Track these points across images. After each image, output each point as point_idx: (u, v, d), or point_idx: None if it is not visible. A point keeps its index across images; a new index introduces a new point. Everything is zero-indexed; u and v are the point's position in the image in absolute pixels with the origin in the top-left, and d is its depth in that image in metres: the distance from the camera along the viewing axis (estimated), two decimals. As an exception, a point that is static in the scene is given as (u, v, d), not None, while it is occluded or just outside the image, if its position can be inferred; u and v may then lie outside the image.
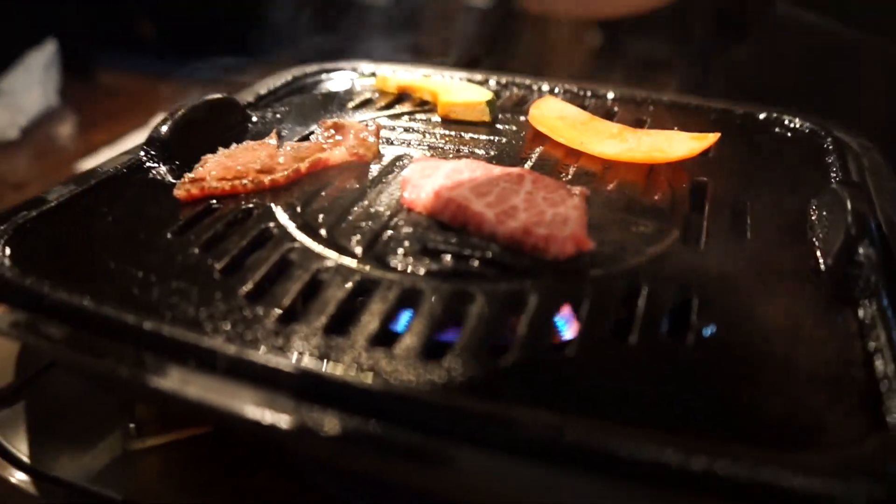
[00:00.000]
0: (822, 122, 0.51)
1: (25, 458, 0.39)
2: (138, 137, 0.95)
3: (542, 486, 0.26)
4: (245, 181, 0.42)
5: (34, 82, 1.03)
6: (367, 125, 0.45)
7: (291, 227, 0.38)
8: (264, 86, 0.60)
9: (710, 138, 0.45)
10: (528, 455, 0.25)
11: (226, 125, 0.51)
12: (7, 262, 0.35)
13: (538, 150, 0.47)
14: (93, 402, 0.42)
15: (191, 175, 0.43)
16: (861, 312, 0.32)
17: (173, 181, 0.44)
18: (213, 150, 0.46)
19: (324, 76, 0.63)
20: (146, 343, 0.30)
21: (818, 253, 0.36)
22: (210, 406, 0.28)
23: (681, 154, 0.44)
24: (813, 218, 0.39)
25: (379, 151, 0.45)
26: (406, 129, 0.50)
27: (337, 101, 0.57)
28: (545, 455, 0.25)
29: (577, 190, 0.39)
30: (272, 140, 0.46)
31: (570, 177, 0.44)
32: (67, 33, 1.15)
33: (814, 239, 0.38)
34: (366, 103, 0.57)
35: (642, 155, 0.45)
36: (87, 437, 0.41)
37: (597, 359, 0.30)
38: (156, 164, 0.46)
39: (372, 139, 0.43)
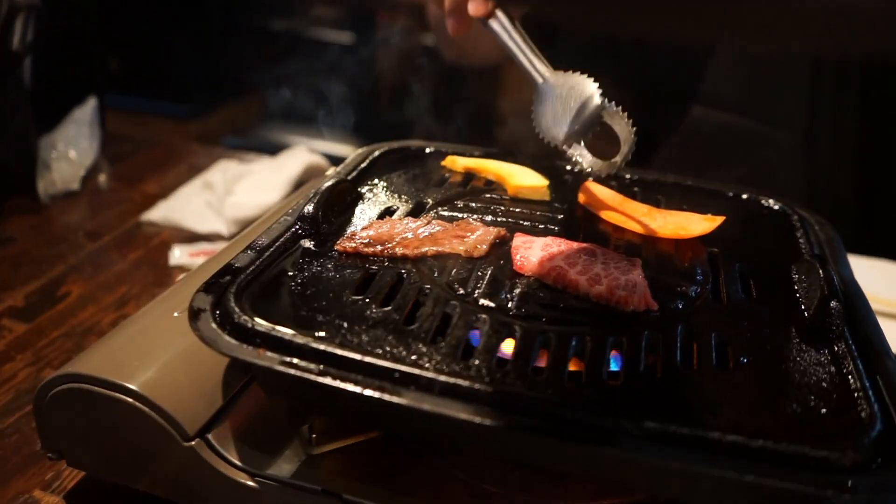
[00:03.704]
0: (788, 201, 0.70)
1: (239, 462, 0.52)
2: (190, 188, 1.07)
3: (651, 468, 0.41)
4: (382, 247, 0.57)
5: (83, 136, 1.13)
6: (488, 235, 0.59)
7: (440, 289, 0.53)
8: (353, 165, 0.73)
9: (718, 220, 0.62)
10: (645, 443, 0.41)
11: (347, 201, 0.65)
12: (251, 314, 0.48)
13: (592, 226, 0.64)
14: (270, 418, 0.56)
15: (350, 233, 0.58)
16: (835, 348, 0.49)
17: (317, 249, 0.58)
18: (344, 217, 0.62)
19: (399, 154, 0.78)
20: (381, 375, 0.44)
21: (802, 307, 0.54)
22: (439, 415, 0.42)
23: (699, 232, 0.61)
24: (795, 280, 0.57)
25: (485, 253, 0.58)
26: (489, 205, 0.66)
27: (422, 179, 0.72)
28: (653, 443, 0.41)
29: (634, 260, 0.56)
30: (421, 219, 0.61)
31: (622, 248, 0.60)
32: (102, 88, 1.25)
33: (798, 296, 0.55)
34: (443, 181, 0.72)
35: (670, 232, 0.62)
36: (274, 444, 0.54)
37: (674, 380, 0.46)
38: (306, 236, 0.60)
39: (485, 247, 0.58)
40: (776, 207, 0.70)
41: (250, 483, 0.51)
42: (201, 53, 2.72)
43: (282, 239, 0.59)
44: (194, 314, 0.49)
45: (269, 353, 0.46)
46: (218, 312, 0.49)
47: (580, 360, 0.47)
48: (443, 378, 0.43)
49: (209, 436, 0.52)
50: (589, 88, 0.58)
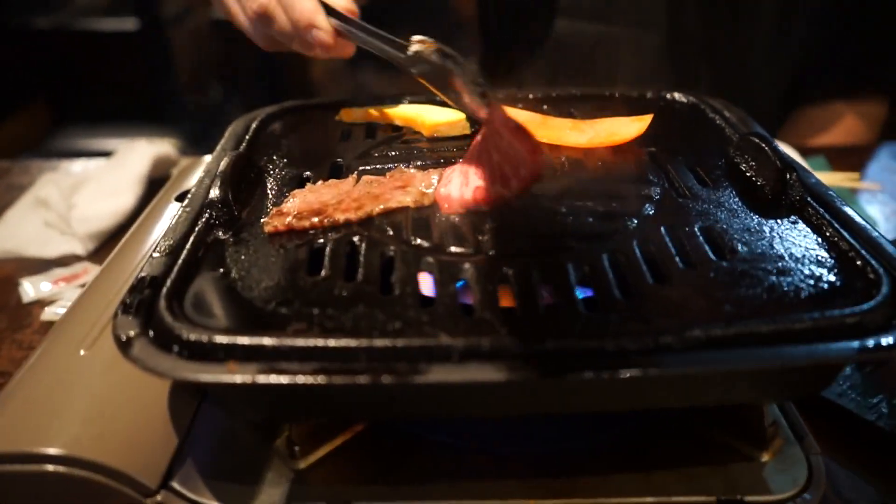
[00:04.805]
0: (694, 93, 0.70)
1: (218, 503, 0.43)
2: (19, 210, 0.89)
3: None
4: (319, 217, 0.49)
5: None
6: (431, 178, 0.53)
7: (405, 248, 0.46)
8: (237, 139, 0.63)
9: (647, 119, 0.60)
10: (690, 353, 0.38)
11: (251, 178, 0.56)
12: (200, 326, 0.39)
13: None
14: (236, 442, 0.47)
15: (274, 210, 0.49)
16: (808, 216, 0.49)
17: (241, 235, 0.49)
18: (254, 196, 0.53)
19: (283, 118, 0.68)
20: (389, 357, 0.37)
21: (759, 183, 0.53)
22: (471, 384, 0.36)
23: (633, 134, 0.59)
24: (737, 161, 0.56)
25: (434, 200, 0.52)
26: (411, 150, 0.60)
27: (322, 139, 0.63)
28: (697, 351, 0.38)
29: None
30: (347, 179, 0.54)
31: (565, 164, 0.57)
32: None
33: (750, 175, 0.54)
34: (347, 136, 0.64)
35: (604, 140, 0.59)
36: (250, 471, 0.45)
37: (684, 283, 0.43)
38: (220, 224, 0.50)
39: (430, 191, 0.51)
40: (684, 100, 0.69)
41: (241, 524, 0.42)
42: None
43: (194, 233, 0.49)
44: (124, 344, 0.39)
45: (241, 366, 0.37)
46: (152, 334, 0.40)
47: (583, 286, 0.43)
48: (461, 342, 0.38)
49: (173, 483, 0.43)
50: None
